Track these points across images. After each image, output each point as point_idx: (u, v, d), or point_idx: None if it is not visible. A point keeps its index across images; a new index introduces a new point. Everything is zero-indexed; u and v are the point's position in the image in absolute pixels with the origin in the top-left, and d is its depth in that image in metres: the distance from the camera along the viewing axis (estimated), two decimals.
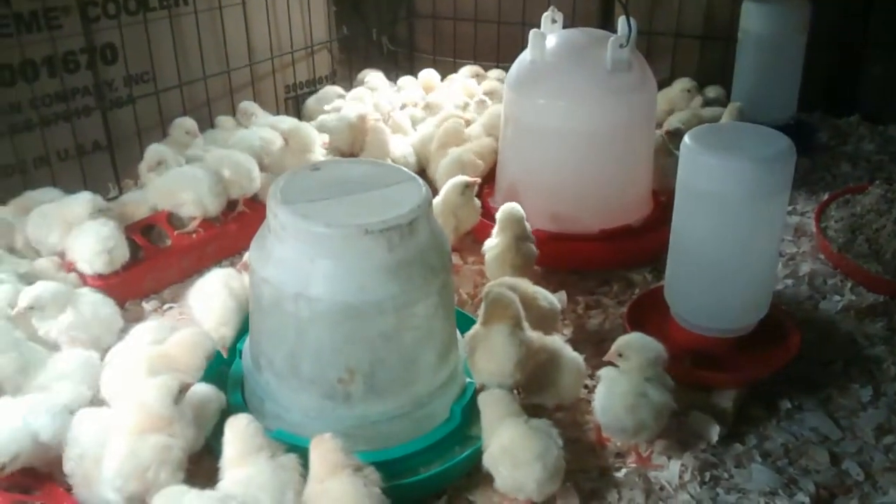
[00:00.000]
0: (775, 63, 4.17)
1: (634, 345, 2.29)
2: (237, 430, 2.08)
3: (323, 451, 1.99)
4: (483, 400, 2.23)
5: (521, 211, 2.95)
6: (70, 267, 2.98)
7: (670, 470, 2.32)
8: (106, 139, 3.87)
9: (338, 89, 4.73)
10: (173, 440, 2.08)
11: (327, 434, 2.00)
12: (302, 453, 2.07)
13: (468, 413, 2.33)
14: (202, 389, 2.26)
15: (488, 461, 2.14)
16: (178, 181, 3.26)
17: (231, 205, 3.39)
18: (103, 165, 3.80)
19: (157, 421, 2.09)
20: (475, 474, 2.25)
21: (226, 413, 2.20)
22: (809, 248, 3.47)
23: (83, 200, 3.06)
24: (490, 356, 2.33)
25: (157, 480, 2.01)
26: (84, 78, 3.81)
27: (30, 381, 2.37)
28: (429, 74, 4.92)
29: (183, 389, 2.13)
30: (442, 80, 4.91)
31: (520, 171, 3.36)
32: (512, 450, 2.10)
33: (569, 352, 2.44)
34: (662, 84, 4.32)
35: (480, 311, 2.41)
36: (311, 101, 4.67)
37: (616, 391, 2.26)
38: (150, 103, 4.05)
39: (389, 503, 1.97)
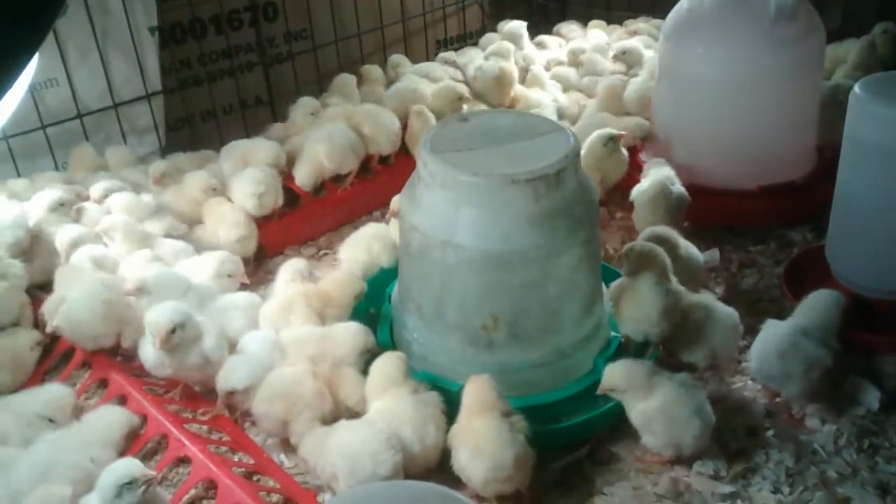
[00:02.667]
0: None
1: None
2: (385, 364, 2.18)
3: (477, 388, 2.04)
4: (622, 365, 2.19)
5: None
6: None
7: (824, 434, 2.23)
8: (267, 94, 4.06)
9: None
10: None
11: (485, 374, 2.05)
12: (445, 394, 2.14)
13: None
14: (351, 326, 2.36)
15: (639, 420, 2.12)
16: (319, 136, 3.33)
17: (384, 157, 3.47)
18: (264, 119, 3.99)
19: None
20: (618, 427, 2.25)
21: (373, 352, 2.30)
22: None
23: (268, 146, 3.24)
24: (636, 305, 2.30)
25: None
26: (247, 35, 4.00)
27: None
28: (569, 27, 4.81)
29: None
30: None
31: (674, 124, 3.25)
32: (667, 408, 2.08)
33: (723, 308, 2.37)
34: (833, 34, 4.03)
35: (625, 263, 2.37)
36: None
37: (771, 335, 2.22)
38: (307, 59, 4.20)
39: (533, 452, 2.01)
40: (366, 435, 2.03)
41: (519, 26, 4.49)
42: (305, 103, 3.58)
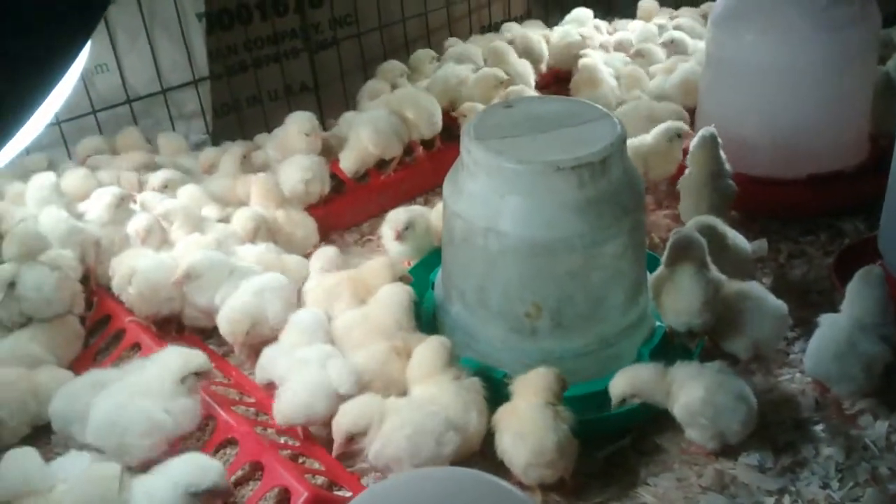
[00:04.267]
0: None
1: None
2: (428, 348, 2.18)
3: (533, 377, 2.05)
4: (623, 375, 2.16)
5: (713, 136, 2.77)
6: None
7: (876, 430, 2.18)
8: (312, 80, 4.08)
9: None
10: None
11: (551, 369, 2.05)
12: (487, 381, 2.15)
13: (657, 356, 2.29)
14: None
15: (683, 414, 2.10)
16: (363, 122, 3.34)
17: (427, 143, 3.47)
18: (309, 105, 4.00)
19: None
20: (661, 418, 2.23)
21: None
22: None
23: (298, 118, 3.27)
24: (676, 296, 2.28)
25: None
26: (292, 21, 4.02)
27: None
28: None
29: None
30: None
31: (721, 111, 3.18)
32: (711, 397, 2.06)
33: (771, 299, 2.33)
34: (889, 18, 3.92)
35: (664, 253, 2.35)
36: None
37: (827, 335, 2.17)
38: (352, 45, 4.21)
39: (576, 441, 2.01)
40: (426, 415, 2.05)
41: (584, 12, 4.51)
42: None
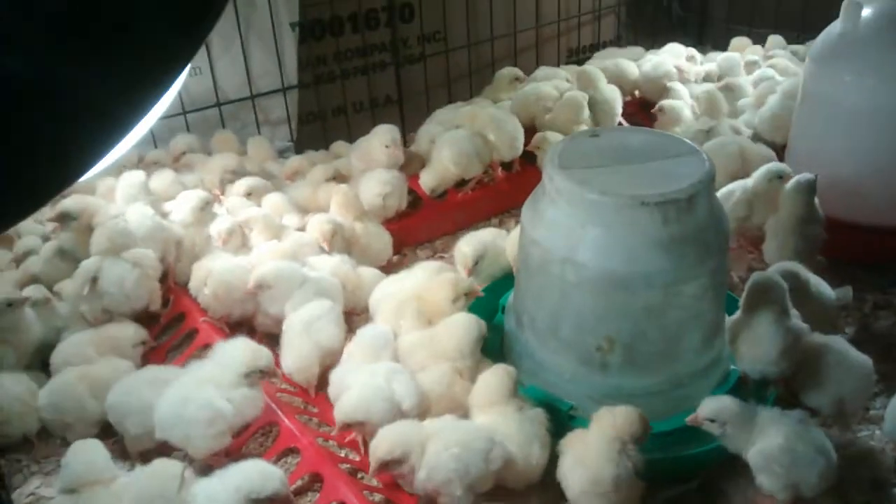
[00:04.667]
0: None
1: None
2: (493, 377, 2.16)
3: (618, 412, 2.00)
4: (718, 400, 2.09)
5: (806, 180, 2.69)
6: None
7: None
8: (397, 93, 4.12)
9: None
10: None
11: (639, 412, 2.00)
12: (552, 412, 2.12)
13: None
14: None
15: (758, 459, 2.01)
16: (445, 141, 3.34)
17: (507, 164, 3.46)
18: (392, 118, 4.04)
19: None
20: (729, 464, 2.16)
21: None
22: None
23: (381, 130, 3.29)
24: (753, 343, 2.20)
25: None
26: (382, 35, 4.08)
27: None
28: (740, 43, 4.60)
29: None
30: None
31: (814, 152, 3.09)
32: (790, 445, 1.98)
33: (855, 354, 2.23)
34: None
35: (743, 297, 2.28)
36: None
37: None
38: (439, 61, 4.24)
39: (640, 484, 1.97)
40: (470, 434, 2.04)
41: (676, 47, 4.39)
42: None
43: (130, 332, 2.58)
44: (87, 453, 2.01)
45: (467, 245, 2.75)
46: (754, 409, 2.05)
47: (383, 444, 2.00)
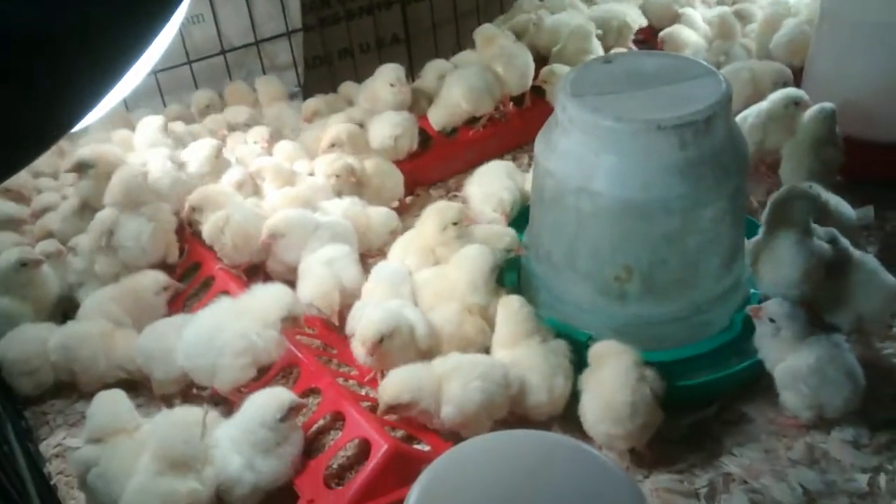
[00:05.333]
0: None
1: None
2: (510, 311, 2.16)
3: (611, 343, 2.02)
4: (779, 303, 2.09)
5: (829, 109, 2.66)
6: None
7: None
8: (404, 32, 4.04)
9: None
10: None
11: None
12: (572, 343, 2.11)
13: (749, 324, 2.20)
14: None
15: (784, 376, 2.03)
16: (456, 79, 3.28)
17: (517, 99, 3.40)
18: (400, 58, 3.98)
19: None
20: (750, 387, 2.17)
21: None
22: None
23: (385, 69, 3.25)
24: (774, 266, 2.17)
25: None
26: None
27: None
28: None
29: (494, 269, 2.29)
30: None
31: (832, 72, 3.01)
32: (821, 367, 1.98)
33: (883, 274, 2.20)
34: None
35: (764, 217, 2.24)
36: None
37: None
38: None
39: (658, 411, 1.98)
40: (486, 366, 2.05)
41: None
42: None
43: (150, 280, 2.58)
44: (111, 403, 2.03)
45: (505, 190, 2.71)
46: (806, 325, 2.04)
47: (390, 389, 2.02)
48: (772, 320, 2.04)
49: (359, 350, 2.18)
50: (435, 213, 2.50)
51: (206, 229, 2.66)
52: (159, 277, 2.59)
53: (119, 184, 2.65)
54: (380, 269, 2.43)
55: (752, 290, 2.30)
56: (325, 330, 2.50)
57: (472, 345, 2.21)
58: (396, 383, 2.02)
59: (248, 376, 2.19)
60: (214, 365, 2.17)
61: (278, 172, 2.90)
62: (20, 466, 1.83)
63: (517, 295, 2.22)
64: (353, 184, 2.90)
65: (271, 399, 1.97)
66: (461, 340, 2.22)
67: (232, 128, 3.38)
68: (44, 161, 3.21)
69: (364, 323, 2.15)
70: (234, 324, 2.19)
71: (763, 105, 2.88)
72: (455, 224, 2.46)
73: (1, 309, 2.51)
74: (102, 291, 2.55)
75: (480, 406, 2.00)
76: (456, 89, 3.22)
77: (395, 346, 2.13)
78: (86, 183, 2.82)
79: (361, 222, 2.75)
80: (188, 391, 2.35)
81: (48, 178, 3.22)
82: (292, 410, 1.96)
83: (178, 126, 3.27)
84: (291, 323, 2.25)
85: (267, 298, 2.26)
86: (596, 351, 2.05)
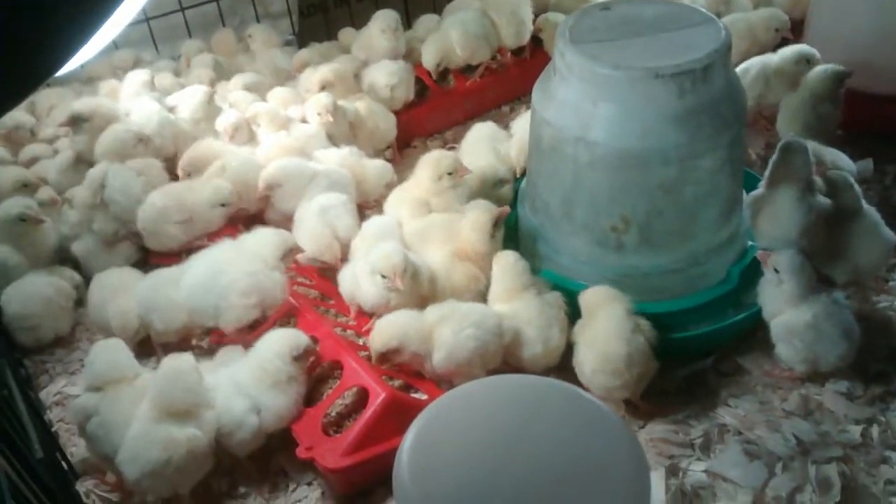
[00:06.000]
0: None
1: None
2: (505, 265, 2.16)
3: (602, 290, 2.02)
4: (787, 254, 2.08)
5: (836, 70, 2.64)
6: None
7: None
8: None
9: None
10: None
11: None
12: (568, 295, 2.11)
13: (746, 277, 2.21)
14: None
15: (780, 330, 2.04)
16: (453, 22, 3.24)
17: (517, 50, 3.35)
18: (396, 5, 3.90)
19: (477, 255, 2.26)
20: (746, 339, 2.17)
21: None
22: None
23: (380, 16, 3.22)
24: (774, 220, 2.18)
25: None
26: None
27: None
28: None
29: (497, 223, 2.26)
30: None
31: (833, 23, 2.96)
32: (817, 323, 1.98)
33: (883, 227, 2.21)
34: None
35: (767, 170, 2.23)
36: None
37: None
38: None
39: (653, 361, 1.99)
40: (477, 314, 2.06)
41: None
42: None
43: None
44: (111, 352, 2.03)
45: (515, 148, 2.68)
46: (811, 281, 2.03)
47: (380, 336, 2.04)
48: (776, 270, 2.03)
49: (376, 287, 2.17)
50: (429, 163, 2.49)
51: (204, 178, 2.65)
52: None
53: (107, 137, 2.63)
54: (368, 225, 2.42)
55: (750, 243, 2.30)
56: (322, 280, 2.50)
57: (464, 291, 2.21)
58: (385, 329, 2.04)
59: (252, 316, 2.22)
60: (217, 306, 2.19)
61: (273, 118, 2.87)
62: (21, 412, 1.84)
63: (511, 250, 2.21)
64: (344, 128, 2.87)
65: (290, 336, 2.03)
66: (451, 287, 2.22)
67: (221, 77, 3.32)
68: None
69: (387, 254, 2.13)
70: (241, 264, 2.20)
71: (772, 59, 2.85)
72: (450, 174, 2.44)
73: None
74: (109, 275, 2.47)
75: (473, 353, 2.01)
76: (452, 32, 3.16)
77: (415, 281, 2.17)
78: (80, 137, 2.80)
79: (357, 173, 2.73)
80: (187, 342, 2.35)
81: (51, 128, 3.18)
82: (306, 352, 2.01)
83: (167, 78, 3.22)
84: (289, 261, 2.29)
85: (261, 242, 2.28)
86: (587, 299, 2.05)
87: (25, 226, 2.55)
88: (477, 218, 2.26)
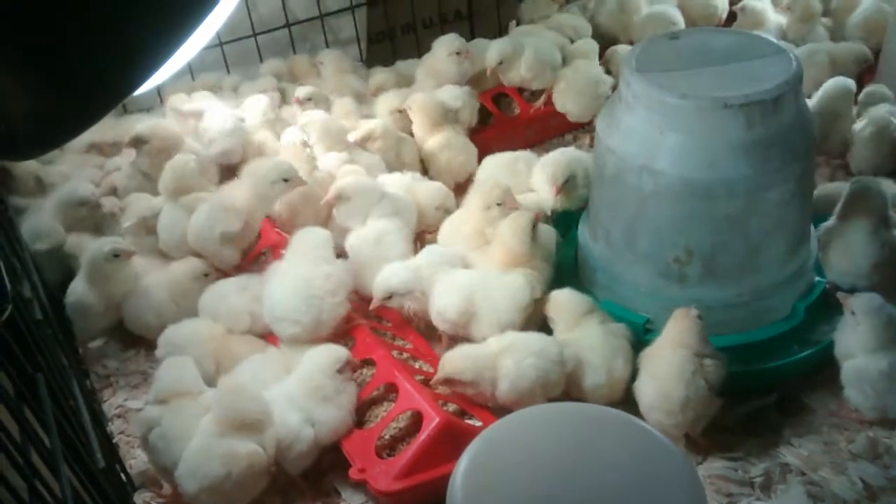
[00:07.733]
0: None
1: None
2: (560, 303, 2.16)
3: (681, 322, 1.97)
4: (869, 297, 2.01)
5: None
6: None
7: None
8: (467, 9, 4.01)
9: None
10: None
11: (694, 310, 1.96)
12: (630, 326, 2.09)
13: (813, 313, 2.15)
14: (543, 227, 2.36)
15: (851, 375, 1.98)
16: (527, 42, 3.23)
17: None
18: (462, 34, 3.94)
19: (518, 257, 2.25)
20: (811, 376, 2.11)
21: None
22: None
23: (445, 40, 3.23)
24: (845, 254, 2.12)
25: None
26: None
27: None
28: None
29: (535, 224, 2.26)
30: None
31: None
32: (892, 374, 1.92)
33: None
34: None
35: (839, 203, 2.17)
36: None
37: None
38: None
39: (715, 400, 1.95)
40: (539, 342, 2.06)
41: None
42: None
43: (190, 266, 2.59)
44: (179, 368, 2.08)
45: (557, 161, 2.64)
46: (890, 329, 1.96)
47: (453, 362, 2.03)
48: (852, 312, 1.97)
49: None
50: (479, 193, 2.49)
51: None
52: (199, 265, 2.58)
53: (169, 172, 2.66)
54: (432, 249, 2.44)
55: (818, 278, 2.24)
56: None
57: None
58: (460, 359, 2.04)
59: (344, 313, 2.27)
60: (318, 320, 2.21)
61: (326, 131, 2.87)
62: (85, 422, 1.88)
63: (565, 289, 2.20)
64: (391, 157, 2.92)
65: (329, 351, 2.08)
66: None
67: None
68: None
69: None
70: (320, 268, 2.25)
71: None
72: (499, 205, 2.43)
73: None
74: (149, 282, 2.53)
75: (535, 383, 1.99)
76: (525, 49, 3.16)
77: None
78: (142, 159, 2.87)
79: (412, 194, 2.73)
80: None
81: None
82: (348, 363, 2.06)
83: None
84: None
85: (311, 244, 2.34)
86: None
87: (118, 262, 2.49)
88: (515, 220, 2.27)
